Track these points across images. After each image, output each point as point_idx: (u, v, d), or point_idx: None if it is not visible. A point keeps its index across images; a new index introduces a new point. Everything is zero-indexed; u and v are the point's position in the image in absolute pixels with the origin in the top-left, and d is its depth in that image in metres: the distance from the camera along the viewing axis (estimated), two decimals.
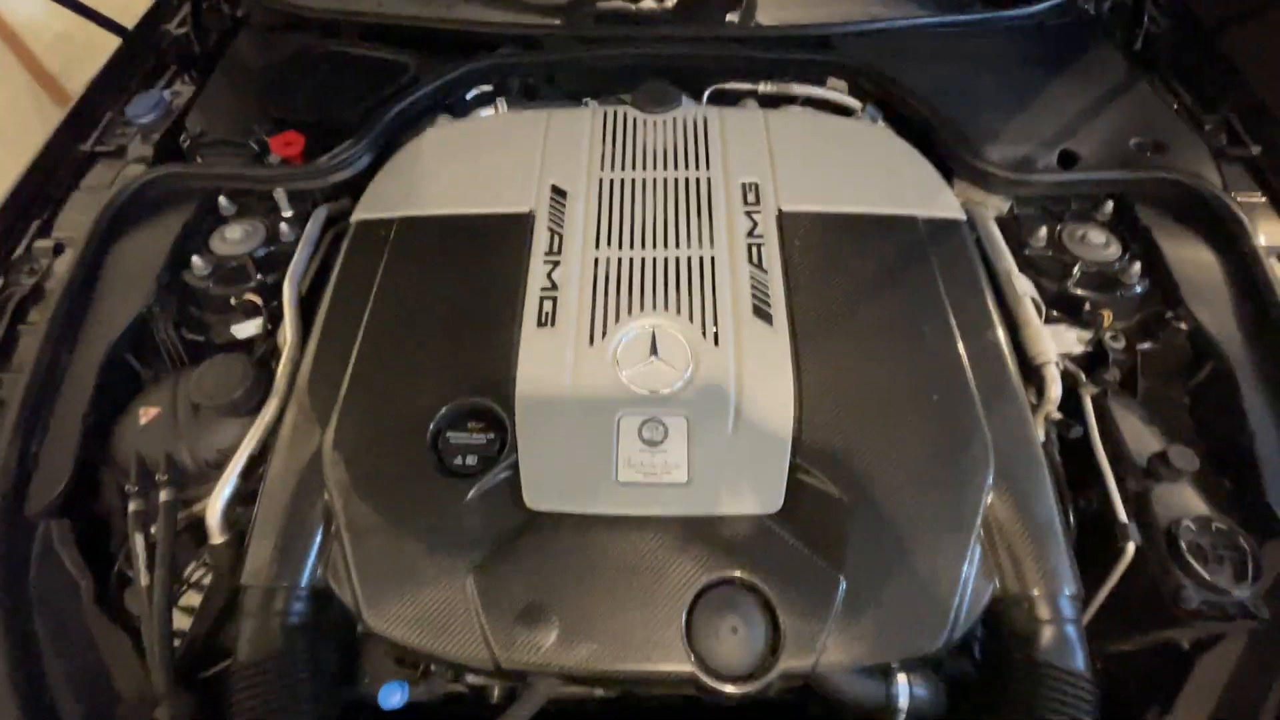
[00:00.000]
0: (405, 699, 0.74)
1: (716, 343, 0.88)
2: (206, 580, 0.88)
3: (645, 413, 0.83)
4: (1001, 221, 1.08)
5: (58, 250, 1.09)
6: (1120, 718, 0.79)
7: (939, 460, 0.81)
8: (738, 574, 0.73)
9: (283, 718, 0.72)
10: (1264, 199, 1.09)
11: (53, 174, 1.17)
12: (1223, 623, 0.79)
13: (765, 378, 0.85)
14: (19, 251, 1.08)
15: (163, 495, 0.85)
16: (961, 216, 1.01)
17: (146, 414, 0.91)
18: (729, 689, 0.68)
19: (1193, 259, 0.99)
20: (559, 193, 1.02)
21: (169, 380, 0.95)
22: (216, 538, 0.84)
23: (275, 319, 1.01)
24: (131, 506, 0.85)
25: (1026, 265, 1.02)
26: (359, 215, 1.04)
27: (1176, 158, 1.09)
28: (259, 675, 0.73)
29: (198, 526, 0.87)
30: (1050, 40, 1.29)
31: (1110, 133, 1.12)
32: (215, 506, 0.84)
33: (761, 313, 0.90)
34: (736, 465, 0.80)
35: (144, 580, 0.81)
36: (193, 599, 0.87)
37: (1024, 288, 0.98)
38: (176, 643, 0.81)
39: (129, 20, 1.39)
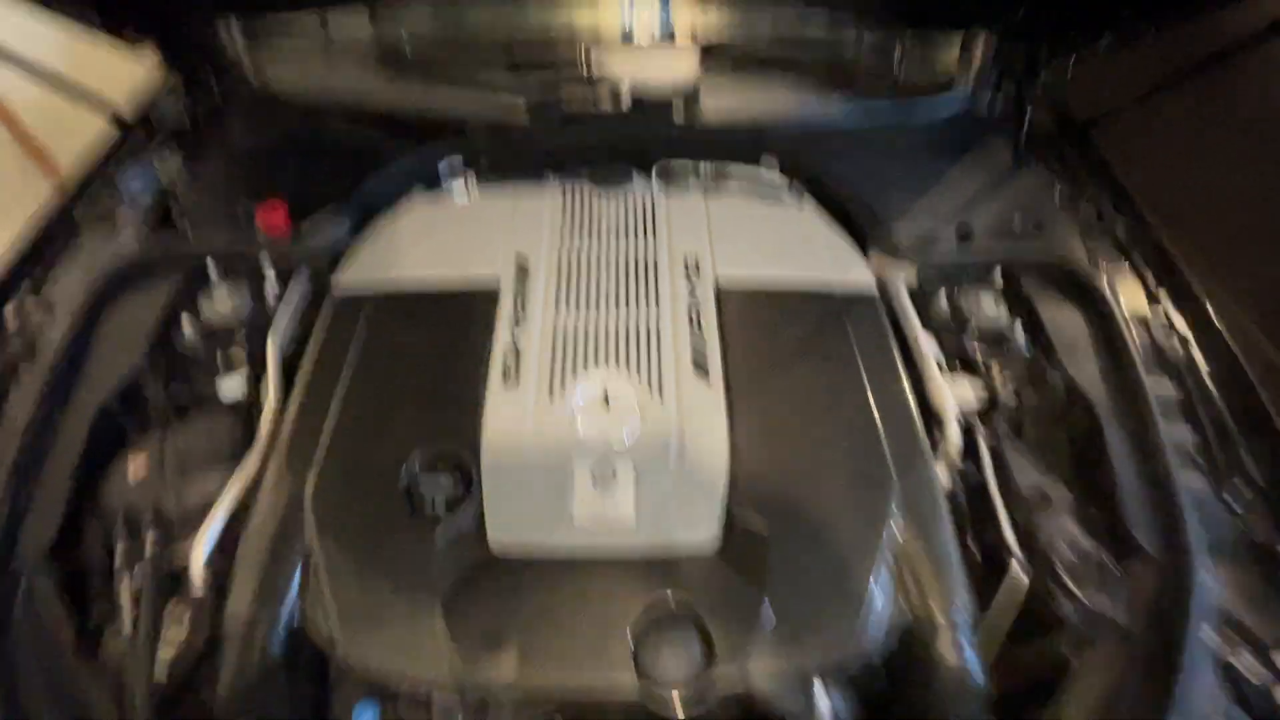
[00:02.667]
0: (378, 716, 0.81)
1: (660, 397, 1.00)
2: (183, 626, 0.94)
3: (598, 461, 0.94)
4: (909, 289, 1.25)
5: (48, 312, 1.16)
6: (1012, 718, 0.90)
7: (851, 498, 0.93)
8: (677, 602, 0.84)
9: None
10: (1126, 265, 1.29)
11: (44, 239, 1.25)
12: (1093, 630, 0.92)
13: (702, 428, 0.97)
14: (10, 311, 1.16)
15: (149, 544, 0.91)
16: (874, 287, 1.17)
17: (135, 467, 0.97)
18: (673, 713, 0.77)
19: (1065, 323, 1.16)
20: (523, 264, 1.15)
21: (156, 435, 1.02)
22: (198, 584, 0.90)
23: (259, 377, 1.10)
24: (119, 554, 0.91)
25: (930, 326, 1.18)
26: (338, 282, 1.15)
27: (1052, 235, 1.28)
28: (239, 708, 0.80)
29: (178, 576, 0.93)
30: (950, 135, 1.49)
31: (999, 212, 1.31)
32: (198, 553, 0.90)
33: (700, 369, 1.03)
34: (677, 506, 0.91)
35: (128, 623, 0.87)
36: (167, 645, 0.93)
37: (928, 348, 1.13)
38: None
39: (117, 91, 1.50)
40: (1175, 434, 1.07)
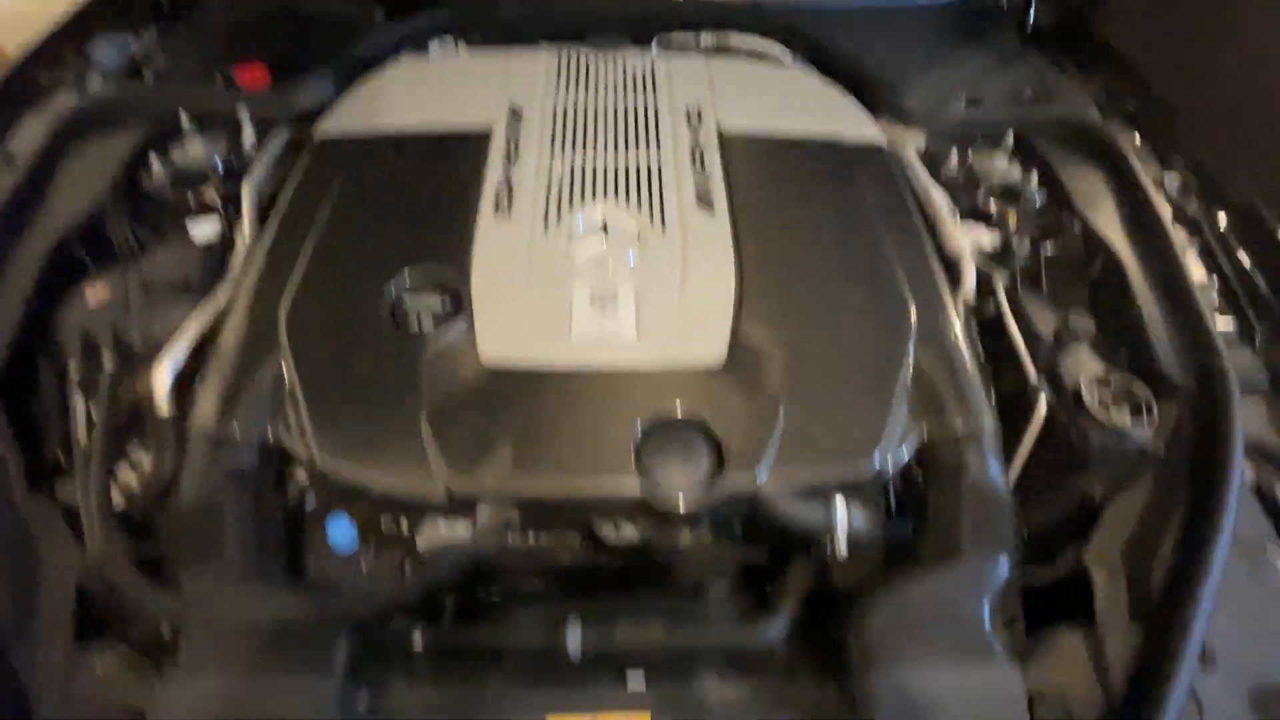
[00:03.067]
0: (353, 536, 0.73)
1: (664, 226, 0.94)
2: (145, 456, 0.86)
3: (597, 283, 0.87)
4: (919, 154, 1.20)
5: (8, 161, 1.08)
6: (1042, 557, 0.85)
7: (868, 320, 0.88)
8: (683, 412, 0.77)
9: (226, 558, 0.70)
10: (1138, 136, 1.25)
11: (6, 98, 1.18)
12: (1127, 464, 0.86)
13: (708, 253, 0.91)
14: None
15: (107, 364, 0.83)
16: (883, 141, 1.13)
17: (94, 293, 0.90)
18: (676, 507, 0.71)
19: (1081, 175, 1.12)
20: (516, 112, 1.09)
21: (120, 267, 0.95)
22: (161, 406, 0.82)
23: (232, 224, 1.03)
24: (73, 374, 0.83)
25: (941, 185, 1.13)
26: (319, 129, 1.08)
27: (1064, 101, 1.24)
28: (200, 517, 0.72)
29: (138, 412, 0.86)
30: (955, 21, 1.46)
31: (1008, 86, 1.28)
32: (162, 376, 0.82)
33: (704, 203, 0.97)
34: (682, 324, 0.85)
35: (82, 440, 0.79)
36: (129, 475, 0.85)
37: (940, 198, 1.08)
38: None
39: None
40: (1198, 279, 1.03)
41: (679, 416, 0.77)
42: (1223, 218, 1.11)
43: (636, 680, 0.70)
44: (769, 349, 0.83)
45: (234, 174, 1.07)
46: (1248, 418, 0.91)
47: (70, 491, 0.82)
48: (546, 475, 0.72)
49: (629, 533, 0.83)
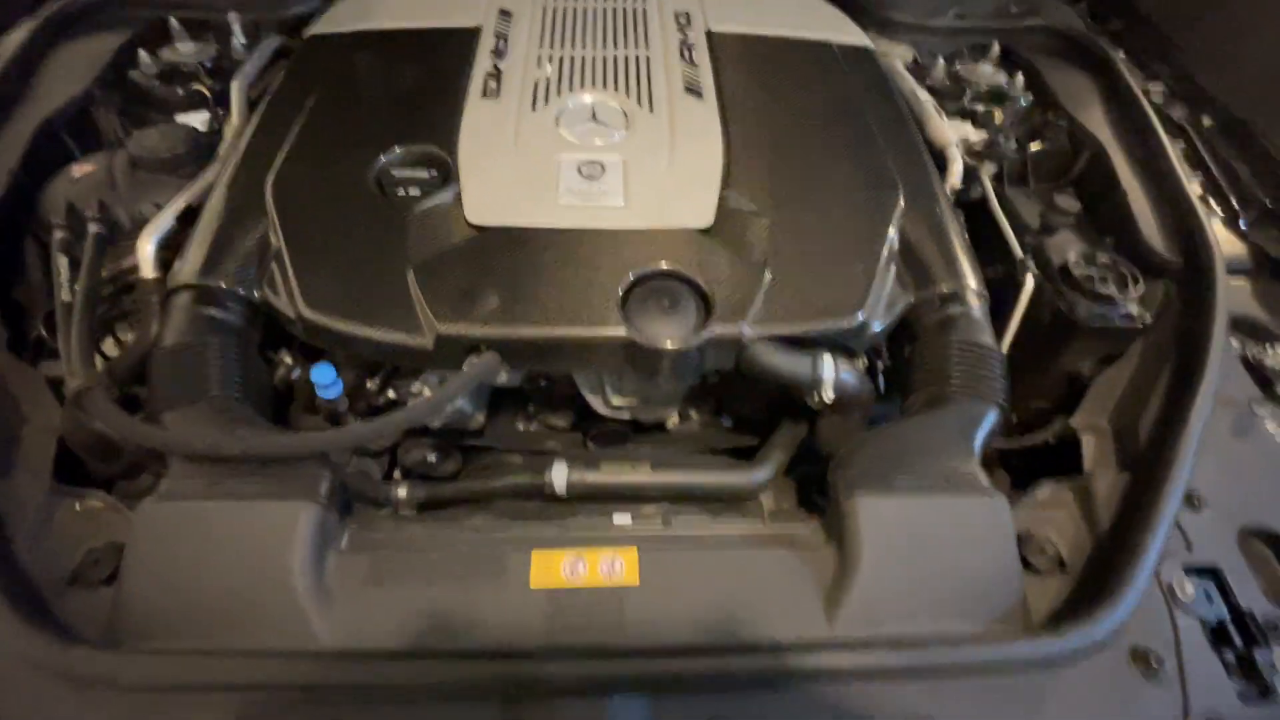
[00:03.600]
0: (336, 380, 0.73)
1: (651, 110, 0.94)
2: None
3: (584, 154, 0.88)
4: (906, 68, 1.21)
5: None
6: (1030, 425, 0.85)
7: (855, 194, 0.88)
8: (670, 266, 0.77)
9: (208, 398, 0.70)
10: (1123, 53, 1.26)
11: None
12: (1114, 335, 0.86)
13: (696, 132, 0.91)
14: None
15: (91, 228, 0.83)
16: (871, 45, 1.13)
17: (81, 169, 0.90)
18: (664, 346, 0.70)
19: (1067, 78, 1.13)
20: (505, 12, 1.10)
21: (107, 150, 0.94)
22: (147, 271, 0.82)
23: (221, 121, 1.03)
24: (57, 235, 0.82)
25: (929, 92, 1.14)
26: (311, 33, 1.08)
27: (1049, 14, 1.25)
28: (183, 359, 0.72)
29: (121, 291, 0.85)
30: None
31: (994, 2, 1.29)
32: (148, 240, 0.81)
33: (693, 91, 0.98)
34: (669, 191, 0.85)
35: (65, 295, 0.78)
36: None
37: (926, 98, 1.09)
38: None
39: None
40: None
41: (666, 271, 0.77)
42: (1207, 120, 1.13)
43: (623, 519, 0.70)
44: (756, 216, 0.83)
45: (223, 74, 1.07)
46: (1234, 296, 0.92)
47: (54, 369, 0.81)
48: (535, 321, 0.72)
49: (617, 400, 0.84)
